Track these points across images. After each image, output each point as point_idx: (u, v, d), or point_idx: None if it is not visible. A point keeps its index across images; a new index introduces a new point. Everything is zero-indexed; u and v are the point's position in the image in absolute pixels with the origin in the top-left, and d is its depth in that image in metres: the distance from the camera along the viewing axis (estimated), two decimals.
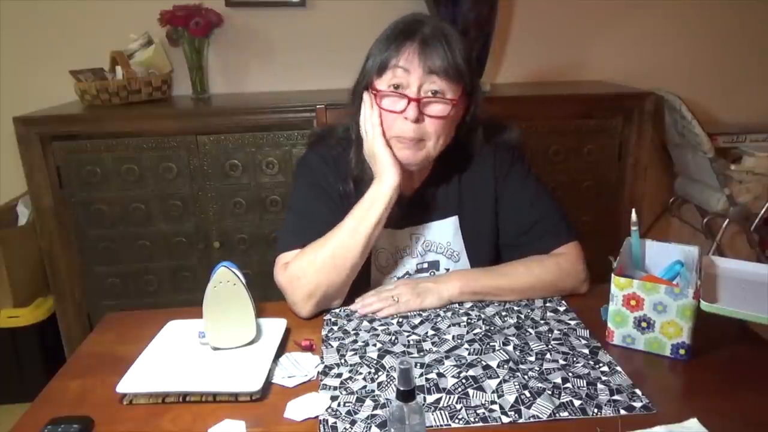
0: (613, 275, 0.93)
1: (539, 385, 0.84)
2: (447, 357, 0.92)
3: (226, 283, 0.92)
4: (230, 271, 0.92)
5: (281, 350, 0.95)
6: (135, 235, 1.94)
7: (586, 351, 0.93)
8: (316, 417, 0.79)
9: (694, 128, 2.11)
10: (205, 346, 0.96)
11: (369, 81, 1.08)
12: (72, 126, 1.88)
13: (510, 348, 0.94)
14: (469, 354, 0.92)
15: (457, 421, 0.77)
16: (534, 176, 1.20)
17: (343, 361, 0.92)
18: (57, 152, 1.85)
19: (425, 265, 1.19)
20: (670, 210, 2.58)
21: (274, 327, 0.98)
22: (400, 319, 1.05)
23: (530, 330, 0.99)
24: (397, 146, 1.07)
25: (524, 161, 1.21)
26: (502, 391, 0.83)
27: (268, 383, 0.86)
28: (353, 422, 0.77)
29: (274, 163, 1.93)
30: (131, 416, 0.81)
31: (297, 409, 0.80)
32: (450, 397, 0.82)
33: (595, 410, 0.79)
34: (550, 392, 0.82)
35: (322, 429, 0.77)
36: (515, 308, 1.07)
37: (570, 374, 0.87)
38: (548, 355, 0.92)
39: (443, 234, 1.19)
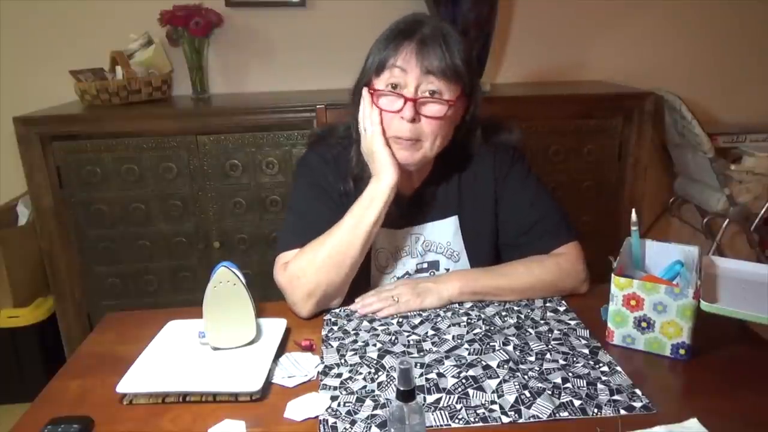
0: (613, 275, 0.93)
1: (539, 385, 0.84)
2: (447, 357, 0.92)
3: (226, 283, 0.92)
4: (230, 271, 0.92)
5: (281, 350, 0.95)
6: (135, 235, 1.94)
7: (586, 351, 0.93)
8: (316, 417, 0.79)
9: (694, 128, 2.11)
10: (205, 346, 0.96)
11: (368, 80, 1.08)
12: (72, 126, 1.88)
13: (510, 348, 0.94)
14: (469, 354, 0.92)
15: (457, 421, 0.77)
16: (534, 176, 1.20)
17: (343, 361, 0.92)
18: (57, 152, 1.85)
19: (425, 265, 1.19)
20: (670, 210, 2.58)
21: (274, 327, 0.98)
22: (400, 319, 1.04)
23: (530, 330, 0.99)
24: (394, 147, 1.07)
25: (524, 161, 1.21)
26: (502, 391, 0.83)
27: (268, 383, 0.86)
28: (353, 422, 0.77)
29: (274, 163, 1.93)
30: (131, 416, 0.81)
31: (297, 409, 0.80)
32: (450, 397, 0.82)
33: (595, 410, 0.79)
34: (550, 392, 0.82)
35: (322, 429, 0.77)
36: (515, 308, 1.07)
37: (570, 374, 0.87)
38: (548, 355, 0.92)
39: (443, 234, 1.19)
